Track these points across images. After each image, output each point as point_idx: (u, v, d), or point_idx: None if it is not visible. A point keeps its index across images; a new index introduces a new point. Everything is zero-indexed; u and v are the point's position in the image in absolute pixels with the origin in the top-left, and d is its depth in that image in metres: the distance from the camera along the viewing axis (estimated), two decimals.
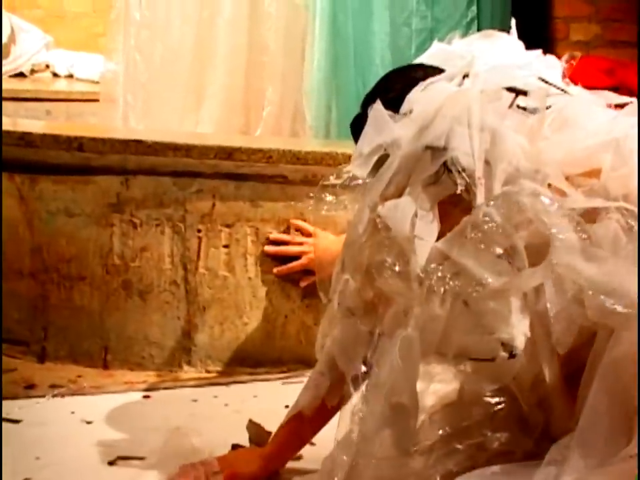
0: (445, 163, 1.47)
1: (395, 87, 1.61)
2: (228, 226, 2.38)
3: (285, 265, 2.37)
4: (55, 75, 4.96)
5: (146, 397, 2.24)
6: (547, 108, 1.55)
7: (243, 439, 1.96)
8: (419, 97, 1.55)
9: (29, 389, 2.26)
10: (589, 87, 3.98)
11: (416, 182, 1.49)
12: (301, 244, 2.36)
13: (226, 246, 2.38)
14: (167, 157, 2.34)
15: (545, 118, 1.54)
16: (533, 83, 1.58)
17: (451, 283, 1.42)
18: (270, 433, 1.85)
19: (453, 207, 1.48)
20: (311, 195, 1.78)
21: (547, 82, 1.61)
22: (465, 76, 1.59)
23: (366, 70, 3.06)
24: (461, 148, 1.47)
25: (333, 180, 1.69)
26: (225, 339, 2.39)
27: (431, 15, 3.06)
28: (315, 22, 3.06)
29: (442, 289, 1.43)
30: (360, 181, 1.59)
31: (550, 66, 1.70)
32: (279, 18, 3.18)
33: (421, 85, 1.57)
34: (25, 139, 2.40)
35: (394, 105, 1.56)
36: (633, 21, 4.09)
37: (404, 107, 1.55)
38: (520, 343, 1.40)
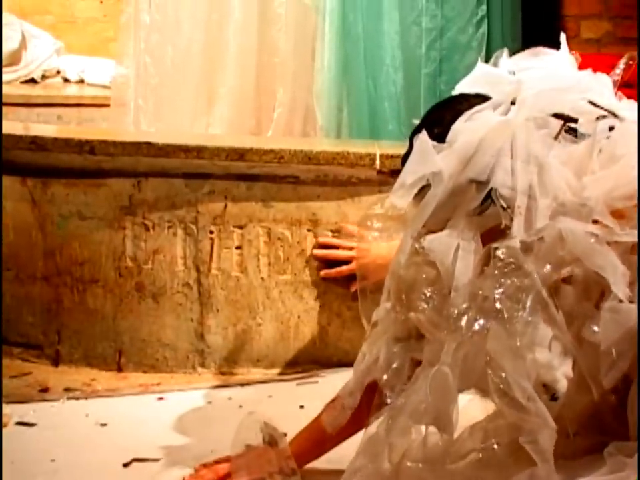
0: (488, 196, 1.47)
1: (441, 121, 1.59)
2: (240, 227, 2.37)
3: (333, 269, 2.36)
4: (66, 80, 4.97)
5: (160, 399, 2.24)
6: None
7: (259, 441, 1.96)
8: (463, 128, 1.54)
9: (44, 393, 2.26)
10: None
11: (459, 214, 1.50)
12: (351, 248, 2.34)
13: (238, 247, 2.38)
14: (179, 158, 2.34)
15: (594, 146, 1.51)
16: (582, 107, 1.56)
17: (482, 322, 1.42)
18: (285, 434, 1.84)
19: (497, 238, 1.48)
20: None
21: (596, 105, 1.58)
22: (513, 102, 1.57)
23: (376, 69, 3.06)
24: (504, 181, 1.46)
25: (377, 209, 1.70)
26: (239, 340, 2.39)
27: (440, 13, 3.05)
28: (324, 22, 3.06)
29: (479, 326, 1.42)
30: (402, 211, 1.60)
31: (600, 84, 1.67)
32: (288, 19, 3.18)
33: (466, 114, 1.55)
34: (37, 142, 2.41)
35: (441, 139, 1.55)
36: None
37: (449, 138, 1.55)
38: (562, 386, 1.39)
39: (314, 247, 2.37)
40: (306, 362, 2.40)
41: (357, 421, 1.65)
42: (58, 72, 5.03)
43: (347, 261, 2.34)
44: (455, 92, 1.67)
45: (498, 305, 1.41)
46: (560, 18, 4.02)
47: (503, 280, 1.42)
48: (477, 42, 3.07)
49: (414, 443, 1.55)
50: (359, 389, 1.67)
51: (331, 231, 2.37)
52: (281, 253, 2.37)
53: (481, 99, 1.60)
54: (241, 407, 2.18)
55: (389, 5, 3.05)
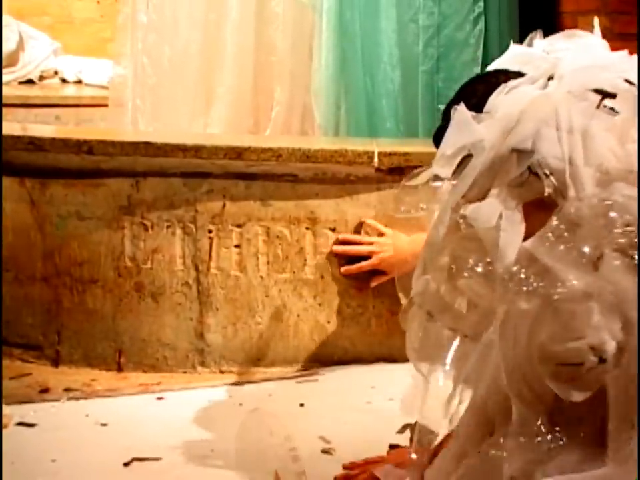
0: (531, 165, 1.47)
1: (477, 93, 1.60)
2: (239, 226, 2.37)
3: (354, 265, 2.36)
4: (64, 80, 4.97)
5: (160, 398, 2.24)
6: None
7: (259, 439, 1.96)
8: (502, 100, 1.54)
9: (44, 393, 2.26)
10: None
11: (501, 184, 1.49)
12: (371, 243, 2.35)
13: (237, 246, 2.38)
14: (177, 157, 2.35)
15: (634, 120, 1.51)
16: (619, 85, 1.56)
17: (535, 284, 1.41)
18: (436, 434, 1.80)
19: (538, 210, 1.47)
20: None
21: (632, 84, 1.58)
22: (550, 78, 1.57)
23: (374, 67, 3.05)
24: (549, 150, 1.46)
25: (413, 181, 1.69)
26: (238, 338, 2.39)
27: (438, 11, 3.04)
28: (321, 21, 3.05)
29: (528, 289, 1.41)
30: (440, 183, 1.59)
31: (634, 66, 1.67)
32: (285, 18, 3.17)
33: (504, 87, 1.56)
34: (35, 143, 2.41)
35: (477, 110, 1.55)
36: None
37: (487, 109, 1.54)
38: (610, 347, 1.38)
39: (334, 244, 2.37)
40: (305, 360, 2.40)
41: None
42: (56, 72, 5.03)
43: (367, 256, 2.34)
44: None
45: (549, 270, 1.41)
46: (557, 14, 4.02)
47: (555, 245, 1.42)
48: (474, 39, 3.06)
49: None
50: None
51: (330, 229, 2.37)
52: (279, 251, 2.37)
53: (517, 74, 1.60)
54: (241, 405, 2.18)
55: (386, 3, 3.05)
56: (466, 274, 1.49)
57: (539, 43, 1.70)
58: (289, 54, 3.19)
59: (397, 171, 2.36)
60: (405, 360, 2.37)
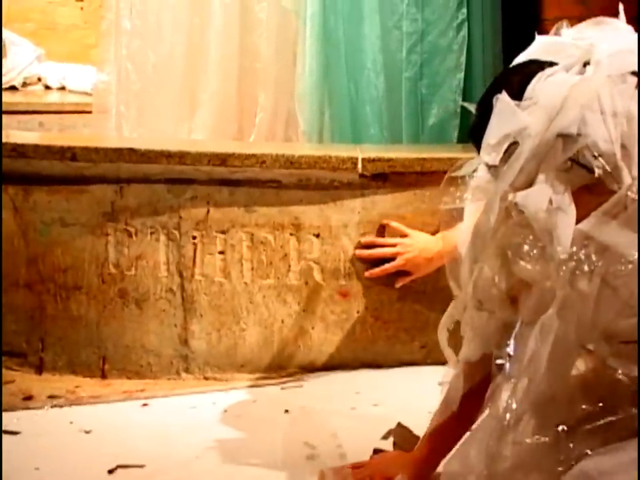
0: (578, 150, 1.47)
1: (512, 83, 1.58)
2: (223, 232, 2.37)
3: (379, 268, 2.36)
4: (47, 87, 4.96)
5: (144, 405, 2.23)
6: None
7: (243, 445, 1.96)
8: (541, 87, 1.53)
9: (27, 401, 2.25)
10: None
11: (548, 170, 1.49)
12: (394, 245, 2.35)
13: (221, 252, 2.38)
14: (161, 164, 2.34)
15: None
16: None
17: (596, 262, 1.42)
18: (418, 437, 1.80)
19: (587, 193, 1.48)
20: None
21: None
22: (585, 64, 1.57)
23: (357, 74, 3.06)
24: (596, 134, 1.47)
25: (457, 172, 1.69)
26: (223, 345, 2.39)
27: (421, 17, 3.05)
28: (305, 27, 3.05)
29: (587, 269, 1.42)
30: (486, 172, 1.59)
31: None
32: (269, 24, 3.17)
33: (539, 76, 1.55)
34: (18, 150, 2.40)
35: (514, 99, 1.54)
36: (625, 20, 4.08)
37: (527, 97, 1.54)
38: None
39: (356, 248, 2.37)
40: (290, 366, 2.40)
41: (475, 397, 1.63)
42: (39, 79, 5.02)
43: (391, 259, 2.35)
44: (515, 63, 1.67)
45: (607, 248, 1.42)
46: (540, 21, 4.04)
47: (612, 224, 1.42)
48: (457, 45, 3.07)
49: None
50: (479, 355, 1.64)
51: (314, 234, 2.38)
52: (264, 257, 2.38)
53: (548, 63, 1.59)
54: (225, 411, 2.17)
55: (369, 9, 3.05)
56: (521, 260, 1.49)
57: (567, 32, 1.69)
58: (272, 60, 3.19)
59: (380, 176, 2.37)
60: (389, 366, 2.41)
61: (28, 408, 2.20)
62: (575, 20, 4.18)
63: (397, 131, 3.05)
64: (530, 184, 1.50)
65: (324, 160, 2.35)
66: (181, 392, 2.31)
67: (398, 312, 2.40)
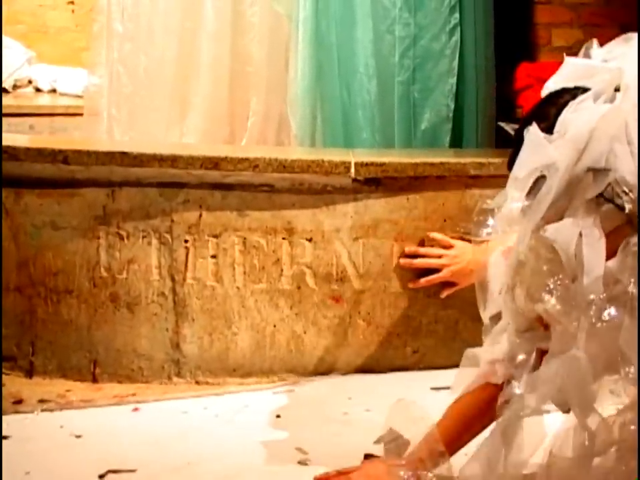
0: (608, 184, 1.48)
1: (546, 115, 1.60)
2: (215, 236, 2.37)
3: (424, 279, 2.36)
4: (38, 90, 4.94)
5: (135, 409, 2.22)
6: None
7: (235, 450, 1.95)
8: (571, 118, 1.54)
9: (17, 405, 2.24)
10: None
11: (578, 203, 1.51)
12: (440, 256, 2.34)
13: (213, 256, 2.37)
14: (153, 167, 2.34)
15: None
16: None
17: (618, 303, 1.44)
18: (408, 442, 1.80)
19: (617, 226, 1.49)
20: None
21: None
22: (617, 89, 1.57)
23: (350, 78, 3.06)
24: (624, 167, 1.47)
25: (489, 204, 1.70)
26: (214, 349, 2.38)
27: (413, 22, 3.05)
28: (297, 31, 3.05)
29: (616, 306, 1.44)
30: (518, 204, 1.59)
31: None
32: (261, 28, 3.17)
33: (571, 106, 1.56)
34: (9, 152, 2.39)
35: (549, 132, 1.56)
36: (614, 25, 4.10)
37: (557, 129, 1.55)
38: None
39: (400, 257, 2.37)
40: (282, 371, 2.39)
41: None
42: (30, 81, 5.00)
43: (434, 269, 2.34)
44: (546, 89, 1.67)
45: (633, 294, 1.43)
46: (531, 26, 4.05)
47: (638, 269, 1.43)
48: (450, 50, 3.08)
49: (557, 440, 1.55)
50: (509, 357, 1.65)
51: (307, 239, 2.37)
52: (256, 261, 2.37)
53: (581, 90, 1.60)
54: (217, 416, 2.17)
55: (362, 14, 3.05)
56: (547, 295, 1.50)
57: (597, 53, 1.69)
58: (265, 64, 3.19)
59: (373, 181, 2.37)
60: (381, 370, 2.40)
61: (18, 412, 2.19)
62: (566, 25, 4.20)
63: (389, 135, 3.06)
64: (560, 217, 1.52)
65: (317, 164, 2.34)
66: (173, 396, 2.30)
67: (390, 317, 2.40)
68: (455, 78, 3.09)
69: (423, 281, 2.36)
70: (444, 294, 2.37)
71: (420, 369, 2.40)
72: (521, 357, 1.59)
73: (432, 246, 2.37)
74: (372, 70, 3.06)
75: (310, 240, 2.37)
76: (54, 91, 4.89)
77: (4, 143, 2.46)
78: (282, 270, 2.37)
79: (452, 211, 2.39)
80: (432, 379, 2.32)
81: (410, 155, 2.60)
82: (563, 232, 1.50)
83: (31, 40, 5.23)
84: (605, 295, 1.45)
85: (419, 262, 2.36)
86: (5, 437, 2.03)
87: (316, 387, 2.34)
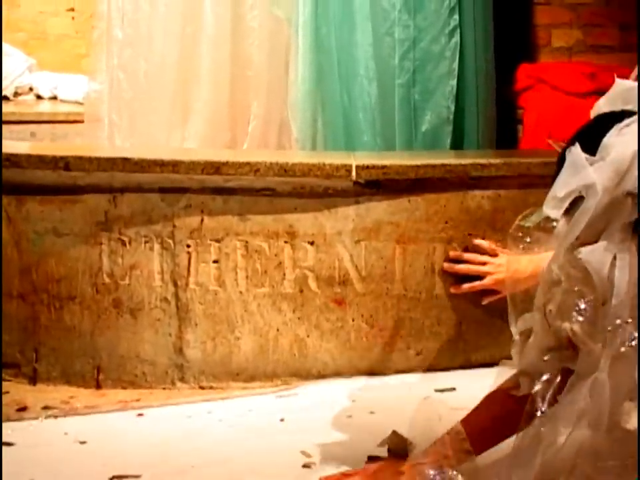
0: None
1: (590, 137, 1.60)
2: (217, 240, 2.37)
3: (467, 285, 2.35)
4: (39, 97, 4.95)
5: (139, 415, 2.22)
6: None
7: (239, 454, 1.95)
8: (614, 141, 1.55)
9: (22, 412, 2.24)
10: (572, 91, 4.01)
11: (615, 227, 1.51)
12: (483, 263, 2.34)
13: (216, 261, 2.37)
14: (154, 173, 2.34)
15: None
16: None
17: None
18: (411, 443, 1.80)
19: None
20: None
21: None
22: None
23: (350, 81, 3.07)
24: None
25: (527, 221, 1.71)
26: (218, 354, 2.38)
27: (413, 24, 3.06)
28: (297, 35, 3.07)
29: (632, 343, 1.44)
30: (555, 224, 1.60)
31: None
32: (261, 32, 3.18)
33: (616, 128, 1.57)
34: (11, 159, 2.39)
35: (591, 154, 1.56)
36: (613, 25, 4.10)
37: (600, 152, 1.55)
38: None
39: (444, 261, 2.37)
40: (285, 374, 2.39)
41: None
42: (30, 89, 5.00)
43: (477, 276, 2.34)
44: (595, 111, 1.68)
45: None
46: (531, 27, 4.05)
47: None
48: (450, 52, 3.08)
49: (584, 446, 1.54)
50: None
51: (309, 242, 2.37)
52: (258, 265, 2.37)
53: (628, 114, 1.60)
54: (221, 420, 2.17)
55: (361, 17, 3.06)
56: (577, 316, 1.51)
57: None
58: (265, 68, 3.20)
59: (374, 184, 2.37)
60: (384, 373, 2.40)
61: (22, 419, 2.18)
62: (566, 26, 4.20)
63: (390, 138, 3.06)
64: (596, 239, 1.52)
65: (318, 167, 2.34)
66: (176, 401, 2.30)
67: (393, 319, 2.40)
68: (455, 80, 3.09)
69: (465, 286, 2.36)
70: (485, 301, 2.37)
71: (423, 371, 2.40)
72: (545, 377, 1.59)
73: (477, 252, 2.36)
74: (372, 73, 3.07)
75: (312, 243, 2.37)
76: (55, 97, 4.89)
77: (5, 150, 2.47)
78: (284, 274, 2.38)
79: (453, 212, 2.39)
80: (436, 381, 2.32)
81: (411, 157, 2.61)
82: (597, 254, 1.50)
83: (31, 47, 5.24)
84: (631, 320, 1.46)
85: (462, 267, 2.36)
86: (10, 444, 2.03)
87: (319, 391, 2.34)
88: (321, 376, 2.39)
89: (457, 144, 3.15)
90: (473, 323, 2.42)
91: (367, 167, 2.36)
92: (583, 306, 1.51)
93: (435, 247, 2.39)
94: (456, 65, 3.09)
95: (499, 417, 1.70)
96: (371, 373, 2.40)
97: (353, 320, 2.40)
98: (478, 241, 2.36)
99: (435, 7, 3.09)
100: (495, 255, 2.33)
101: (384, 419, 2.09)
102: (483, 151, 3.15)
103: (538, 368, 1.61)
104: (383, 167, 2.37)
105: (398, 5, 3.06)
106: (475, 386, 2.25)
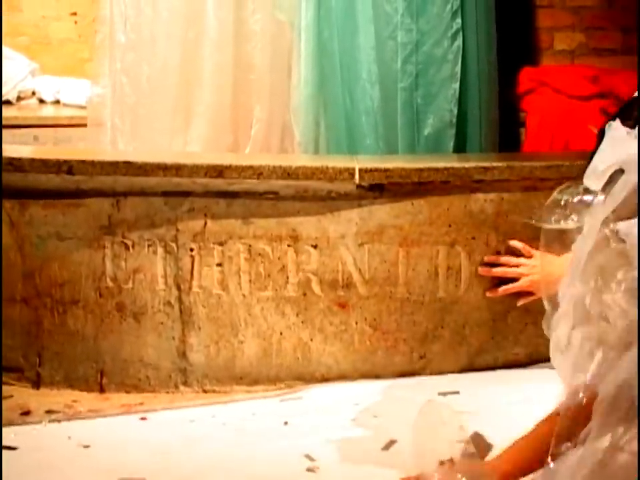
0: None
1: (631, 113, 1.61)
2: (220, 244, 2.37)
3: (502, 288, 2.36)
4: (42, 101, 4.95)
5: (143, 419, 2.22)
6: None
7: (243, 458, 1.95)
8: None
9: (25, 416, 2.24)
10: (575, 94, 4.00)
11: None
12: (518, 265, 2.34)
13: (219, 264, 2.37)
14: (157, 177, 2.34)
15: None
16: None
17: None
18: (491, 445, 1.77)
19: None
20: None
21: None
22: None
23: (352, 85, 3.07)
24: None
25: (564, 195, 1.70)
26: (221, 357, 2.38)
27: (416, 27, 3.06)
28: (300, 38, 3.07)
29: None
30: (591, 197, 1.59)
31: None
32: (264, 36, 3.18)
33: None
34: (14, 164, 2.39)
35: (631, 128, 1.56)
36: (616, 28, 4.10)
37: None
38: None
39: (480, 265, 2.37)
40: (289, 378, 2.39)
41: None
42: (33, 93, 5.00)
43: (513, 278, 2.34)
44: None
45: None
46: (534, 30, 4.05)
47: None
48: (452, 55, 3.08)
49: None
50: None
51: (312, 246, 2.37)
52: (261, 269, 2.37)
53: None
54: (224, 424, 2.16)
55: (364, 20, 3.06)
56: (612, 288, 1.49)
57: None
58: (267, 71, 3.20)
59: (378, 187, 2.37)
60: (388, 377, 2.40)
61: (26, 423, 2.18)
62: (568, 29, 4.19)
63: (393, 141, 3.06)
64: (633, 214, 1.51)
65: (321, 171, 2.34)
66: (180, 405, 2.30)
67: (396, 323, 2.40)
68: (458, 83, 3.09)
69: (501, 290, 2.36)
70: (520, 302, 2.36)
71: (427, 374, 2.40)
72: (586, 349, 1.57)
73: (512, 254, 2.36)
74: (374, 76, 3.07)
75: (315, 247, 2.37)
76: (57, 102, 4.89)
77: (9, 154, 2.47)
78: (287, 277, 2.37)
79: (457, 215, 2.39)
80: (439, 384, 2.31)
81: (414, 160, 2.61)
82: (634, 229, 1.49)
83: (34, 51, 5.23)
84: None
85: (497, 271, 2.36)
86: (13, 448, 2.02)
87: (323, 394, 2.34)
88: (325, 379, 2.39)
89: (460, 147, 3.15)
90: (476, 327, 2.42)
91: (370, 170, 2.36)
92: (620, 277, 1.49)
93: (438, 250, 2.39)
94: (458, 68, 3.09)
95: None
96: (375, 376, 2.40)
97: (357, 323, 2.39)
98: (513, 243, 2.36)
99: (438, 10, 3.09)
100: (529, 257, 2.33)
101: (387, 422, 2.08)
102: (486, 154, 3.15)
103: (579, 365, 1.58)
104: (386, 170, 2.37)
105: (400, 9, 3.06)
106: (478, 389, 2.27)
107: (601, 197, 1.56)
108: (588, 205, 1.61)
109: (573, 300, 1.59)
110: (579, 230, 1.63)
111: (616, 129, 1.55)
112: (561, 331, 1.61)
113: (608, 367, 1.50)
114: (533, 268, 2.31)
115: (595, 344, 1.55)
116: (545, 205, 1.72)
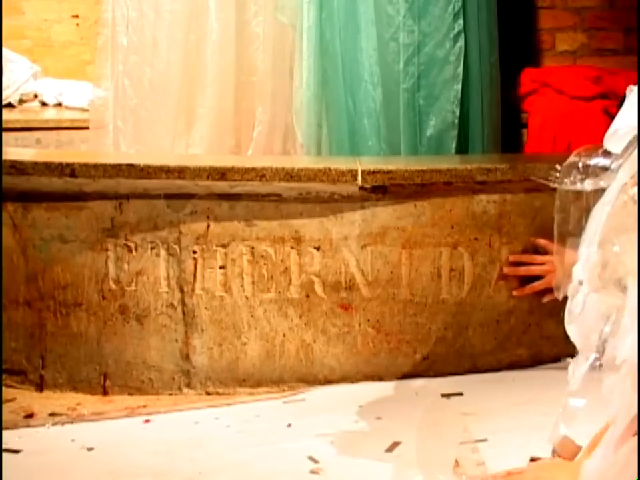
0: None
1: None
2: (223, 246, 2.37)
3: (526, 286, 2.36)
4: (44, 104, 4.95)
5: (146, 421, 2.22)
6: None
7: (247, 460, 1.95)
8: None
9: (28, 418, 2.24)
10: (577, 95, 3.99)
11: None
12: (542, 263, 2.34)
13: (222, 267, 2.37)
14: (160, 179, 2.34)
15: None
16: None
17: None
18: (579, 447, 1.71)
19: None
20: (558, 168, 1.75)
21: None
22: None
23: (355, 86, 3.07)
24: None
25: (579, 157, 1.68)
26: (224, 359, 2.38)
27: (417, 29, 3.07)
28: (302, 40, 3.07)
29: None
30: (609, 160, 1.58)
31: None
32: (266, 38, 3.19)
33: None
34: (17, 167, 2.39)
35: None
36: (617, 29, 4.10)
37: None
38: None
39: (506, 265, 2.37)
40: (292, 380, 2.39)
41: None
42: (35, 96, 5.00)
43: (539, 276, 2.34)
44: None
45: None
46: (535, 31, 4.05)
47: None
48: (454, 56, 3.09)
49: None
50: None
51: (315, 247, 2.37)
52: (264, 271, 2.37)
53: None
54: (228, 426, 2.17)
55: (366, 22, 3.07)
56: (628, 249, 1.49)
57: None
58: (269, 74, 3.20)
59: (380, 189, 2.37)
60: (391, 378, 2.40)
61: (29, 426, 2.19)
62: (569, 29, 4.19)
63: (395, 143, 3.06)
64: None
65: (324, 173, 2.34)
66: (183, 407, 2.30)
67: (399, 324, 2.40)
68: (460, 84, 3.10)
69: (527, 288, 2.37)
70: (546, 299, 2.36)
71: (430, 375, 2.40)
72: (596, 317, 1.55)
73: (536, 252, 2.35)
74: (377, 78, 3.07)
75: (318, 248, 2.37)
76: (60, 104, 4.89)
77: (11, 157, 2.47)
78: (290, 279, 2.37)
79: (459, 216, 2.39)
80: (442, 386, 2.31)
81: (417, 162, 2.60)
82: None
83: (36, 54, 5.24)
84: None
85: (523, 270, 2.37)
86: (17, 451, 2.03)
87: (326, 396, 2.34)
88: (328, 381, 2.39)
89: (462, 148, 3.15)
90: (479, 328, 2.42)
91: (373, 172, 2.36)
92: (635, 239, 1.49)
93: (441, 251, 2.39)
94: (460, 69, 3.09)
95: None
96: (378, 377, 2.40)
97: (360, 325, 2.39)
98: (537, 240, 2.36)
99: (439, 12, 3.09)
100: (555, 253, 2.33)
101: (391, 424, 2.09)
102: (489, 156, 3.15)
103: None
104: (389, 171, 2.37)
105: (402, 10, 3.06)
106: (482, 391, 2.27)
107: (619, 161, 1.55)
108: (605, 168, 1.60)
109: (588, 266, 1.58)
110: (596, 192, 1.62)
111: (636, 93, 1.55)
112: (576, 299, 1.61)
113: (624, 332, 1.49)
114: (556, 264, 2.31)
115: (610, 307, 1.54)
116: (562, 167, 1.71)
